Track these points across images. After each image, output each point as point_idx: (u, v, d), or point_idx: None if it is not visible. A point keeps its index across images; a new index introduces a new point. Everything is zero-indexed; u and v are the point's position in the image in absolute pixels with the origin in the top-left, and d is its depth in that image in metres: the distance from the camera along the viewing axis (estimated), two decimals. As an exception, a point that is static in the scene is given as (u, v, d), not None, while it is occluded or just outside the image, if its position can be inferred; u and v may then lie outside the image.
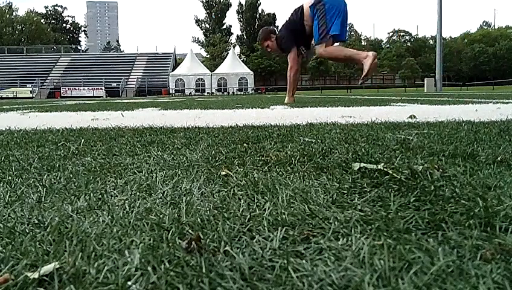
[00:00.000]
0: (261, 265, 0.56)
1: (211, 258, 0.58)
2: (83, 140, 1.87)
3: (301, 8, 6.35)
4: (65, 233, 0.69)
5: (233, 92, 41.63)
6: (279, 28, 6.81)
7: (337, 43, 6.34)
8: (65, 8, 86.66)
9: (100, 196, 0.91)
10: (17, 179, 1.11)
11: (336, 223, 0.71)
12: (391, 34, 76.97)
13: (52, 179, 1.09)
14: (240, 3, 74.52)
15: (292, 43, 6.53)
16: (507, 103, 5.21)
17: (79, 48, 78.88)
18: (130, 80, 48.15)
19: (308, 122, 2.50)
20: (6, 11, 72.99)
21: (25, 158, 1.43)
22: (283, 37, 6.57)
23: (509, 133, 1.81)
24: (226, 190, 0.95)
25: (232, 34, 75.83)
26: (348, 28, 6.64)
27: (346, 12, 6.25)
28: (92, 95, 39.89)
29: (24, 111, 5.35)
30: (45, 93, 41.87)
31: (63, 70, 50.38)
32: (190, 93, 42.33)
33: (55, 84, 45.40)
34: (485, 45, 68.37)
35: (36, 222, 0.75)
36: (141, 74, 50.17)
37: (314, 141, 1.68)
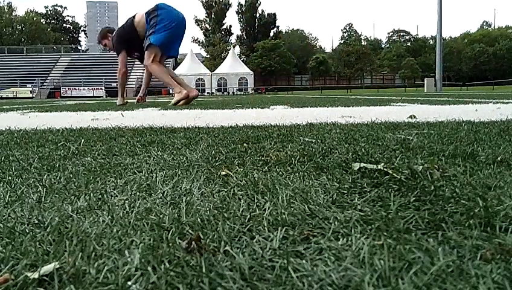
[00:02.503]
0: (261, 265, 0.56)
1: (211, 258, 0.58)
2: (83, 140, 1.87)
3: (133, 16, 6.72)
4: (65, 233, 0.69)
5: (233, 92, 41.62)
6: (116, 30, 7.06)
7: (170, 59, 6.65)
8: (65, 8, 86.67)
9: (100, 196, 0.91)
10: (17, 179, 1.11)
11: (335, 223, 0.71)
12: (391, 34, 76.97)
13: (52, 179, 1.09)
14: (239, 3, 74.58)
15: (120, 48, 6.85)
16: (507, 103, 5.21)
17: (79, 48, 78.90)
18: (130, 80, 48.14)
19: (308, 122, 2.50)
20: (6, 11, 72.98)
21: (25, 158, 1.43)
22: (114, 40, 6.92)
23: (509, 133, 1.81)
24: (226, 190, 0.95)
25: (232, 34, 75.87)
26: (180, 44, 6.88)
27: (181, 28, 6.57)
28: (92, 95, 39.88)
29: (24, 111, 5.35)
30: (45, 93, 41.84)
31: (63, 71, 50.33)
32: (190, 93, 42.26)
33: (55, 84, 45.36)
34: (485, 45, 68.37)
35: (36, 222, 0.75)
36: (141, 73, 50.13)
37: (314, 141, 1.68)
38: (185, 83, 7.05)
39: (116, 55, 7.03)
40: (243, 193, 0.91)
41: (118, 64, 7.15)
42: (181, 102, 6.39)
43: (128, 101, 7.89)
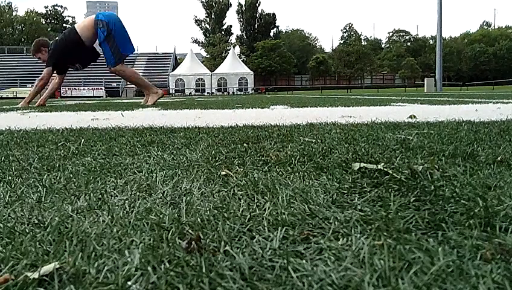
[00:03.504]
0: (261, 265, 0.56)
1: (211, 258, 0.58)
2: (83, 140, 1.87)
3: (74, 28, 6.90)
4: (65, 233, 0.69)
5: (233, 92, 41.62)
6: (52, 43, 7.09)
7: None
8: (65, 8, 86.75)
9: (100, 196, 0.91)
10: (17, 179, 1.11)
11: (336, 223, 0.71)
12: (391, 34, 76.97)
13: (52, 179, 1.09)
14: (239, 3, 74.57)
15: (53, 62, 6.95)
16: (507, 103, 5.21)
17: (79, 48, 78.56)
18: (130, 80, 48.09)
19: (308, 122, 2.50)
20: (6, 11, 72.96)
21: (25, 158, 1.43)
22: (51, 53, 6.97)
23: (509, 133, 1.81)
24: (226, 190, 0.95)
25: (232, 34, 75.84)
26: (128, 38, 7.07)
27: (121, 24, 6.88)
28: (92, 95, 39.88)
29: (24, 111, 5.35)
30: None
31: (63, 71, 50.28)
32: (190, 93, 42.33)
33: (55, 84, 45.31)
34: (485, 45, 68.38)
35: (36, 222, 0.75)
36: (141, 73, 50.11)
37: (314, 141, 1.68)
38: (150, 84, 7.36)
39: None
40: (243, 193, 0.91)
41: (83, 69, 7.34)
42: (151, 102, 6.76)
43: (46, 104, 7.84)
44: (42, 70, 7.22)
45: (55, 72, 7.19)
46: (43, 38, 7.51)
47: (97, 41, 6.79)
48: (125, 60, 6.98)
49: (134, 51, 7.37)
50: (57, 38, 7.15)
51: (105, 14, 6.84)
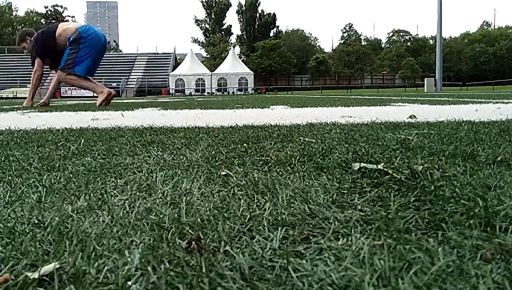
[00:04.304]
0: (261, 265, 0.56)
1: (211, 258, 0.58)
2: (83, 140, 1.87)
3: (55, 26, 6.94)
4: (65, 233, 0.69)
5: (233, 92, 41.62)
6: (35, 34, 7.12)
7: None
8: (65, 8, 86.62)
9: (100, 196, 0.91)
10: (17, 179, 1.11)
11: (336, 223, 0.71)
12: (391, 34, 76.97)
13: (52, 179, 1.09)
14: (239, 3, 74.55)
15: (37, 53, 6.93)
16: (507, 103, 5.21)
17: (79, 48, 78.55)
18: (130, 80, 48.11)
19: (308, 122, 2.50)
20: (6, 11, 72.96)
21: (25, 158, 1.43)
22: (33, 44, 6.98)
23: (509, 133, 1.81)
24: (226, 190, 0.95)
25: (232, 34, 75.84)
26: (98, 64, 7.22)
27: (102, 50, 7.01)
28: (92, 95, 39.79)
29: (24, 111, 5.35)
30: (45, 93, 41.79)
31: (63, 70, 50.29)
32: (190, 93, 42.32)
33: (55, 84, 45.32)
34: (485, 45, 68.35)
35: (36, 222, 0.75)
36: (141, 73, 50.14)
37: (314, 141, 1.68)
38: (100, 84, 7.39)
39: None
40: (243, 193, 0.91)
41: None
42: (104, 102, 6.76)
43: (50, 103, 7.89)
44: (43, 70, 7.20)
45: (48, 66, 7.20)
46: (29, 29, 7.54)
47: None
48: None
49: (91, 76, 7.27)
50: (41, 29, 7.20)
51: (91, 32, 6.83)
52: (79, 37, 6.65)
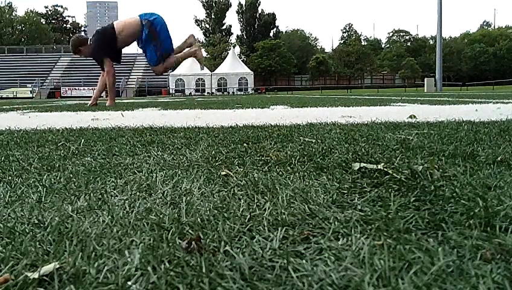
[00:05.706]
0: (261, 265, 0.56)
1: (211, 258, 0.58)
2: (83, 140, 1.87)
3: (112, 25, 7.03)
4: (65, 233, 0.69)
5: (233, 92, 41.62)
6: (91, 38, 7.21)
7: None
8: (65, 8, 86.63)
9: (100, 196, 0.91)
10: (17, 179, 1.11)
11: (336, 223, 0.71)
12: (391, 34, 76.96)
13: (52, 179, 1.09)
14: (239, 3, 74.54)
15: (104, 54, 7.05)
16: (507, 103, 5.21)
17: (79, 48, 78.59)
18: (130, 80, 48.09)
19: (308, 122, 2.50)
20: (6, 11, 72.95)
21: (25, 158, 1.43)
22: (94, 48, 7.08)
23: (509, 133, 1.81)
24: (226, 190, 0.95)
25: (232, 34, 75.84)
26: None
27: (166, 24, 7.10)
28: (92, 95, 39.87)
29: (24, 111, 5.35)
30: (45, 93, 41.82)
31: (63, 70, 50.30)
32: (190, 93, 42.32)
33: (55, 84, 45.33)
34: (485, 45, 68.33)
35: (36, 222, 0.75)
36: (141, 73, 50.11)
37: (314, 141, 1.68)
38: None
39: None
40: (243, 193, 0.91)
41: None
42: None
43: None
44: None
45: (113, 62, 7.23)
46: (78, 37, 7.55)
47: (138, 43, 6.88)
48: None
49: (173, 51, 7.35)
50: (98, 29, 7.25)
51: (148, 15, 6.88)
52: (150, 24, 6.74)
